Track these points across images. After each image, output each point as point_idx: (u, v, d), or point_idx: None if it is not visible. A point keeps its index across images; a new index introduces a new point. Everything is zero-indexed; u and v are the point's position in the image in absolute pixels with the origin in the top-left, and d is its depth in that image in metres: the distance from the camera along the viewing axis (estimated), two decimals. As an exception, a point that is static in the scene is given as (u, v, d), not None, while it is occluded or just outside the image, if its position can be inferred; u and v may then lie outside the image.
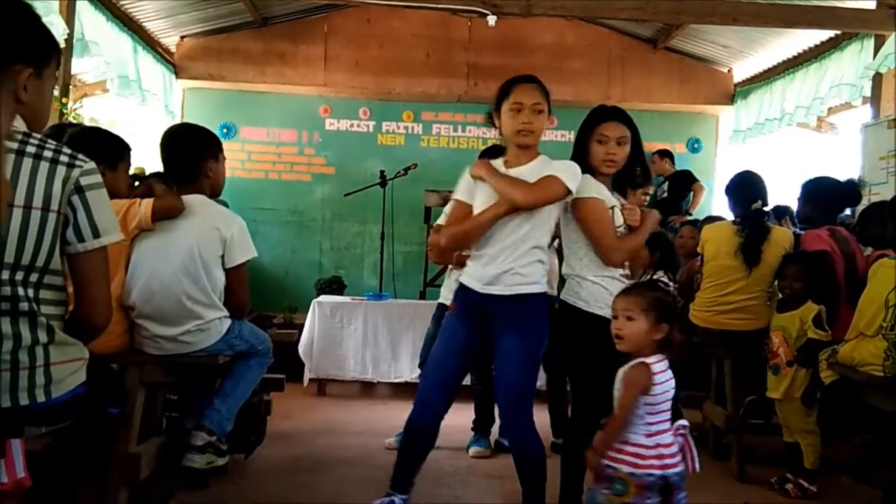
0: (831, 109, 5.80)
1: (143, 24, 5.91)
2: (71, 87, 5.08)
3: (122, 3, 5.42)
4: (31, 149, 1.57)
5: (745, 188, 3.64)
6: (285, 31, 6.79)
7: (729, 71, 7.04)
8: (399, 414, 3.52)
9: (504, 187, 2.41)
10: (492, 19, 5.52)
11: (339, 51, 6.81)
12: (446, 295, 3.47)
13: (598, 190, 2.54)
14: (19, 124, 1.61)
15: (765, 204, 3.59)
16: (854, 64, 5.23)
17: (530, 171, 2.47)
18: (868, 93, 5.12)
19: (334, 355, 5.07)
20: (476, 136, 7.14)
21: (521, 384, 2.45)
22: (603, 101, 7.07)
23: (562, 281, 2.74)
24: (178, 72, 6.67)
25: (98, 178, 1.67)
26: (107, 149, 2.54)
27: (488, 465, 3.49)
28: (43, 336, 1.60)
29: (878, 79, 5.05)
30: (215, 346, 2.62)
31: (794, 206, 4.09)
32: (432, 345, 2.73)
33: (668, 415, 2.13)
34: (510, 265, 2.42)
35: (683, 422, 2.15)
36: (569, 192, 2.42)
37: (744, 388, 3.50)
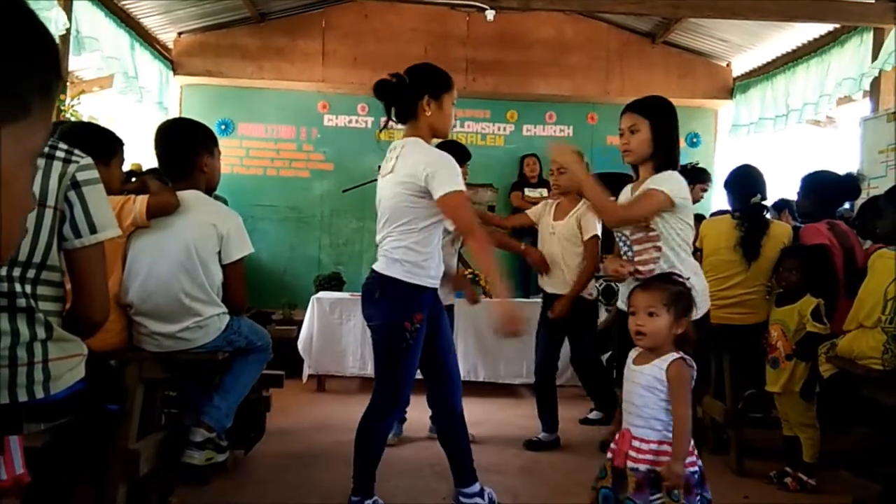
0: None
1: (141, 20, 5.89)
2: (69, 83, 5.07)
3: (119, -1, 5.41)
4: (27, 145, 1.56)
5: (744, 182, 3.63)
6: (283, 27, 6.78)
7: (728, 65, 7.04)
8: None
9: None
10: (490, 14, 5.51)
11: (336, 46, 6.80)
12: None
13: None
14: None
15: (764, 198, 3.59)
16: (855, 58, 5.22)
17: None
18: (867, 87, 5.11)
19: (333, 351, 5.08)
20: (475, 132, 7.14)
21: None
22: (601, 96, 7.17)
23: None
24: (175, 68, 6.66)
25: (95, 173, 1.66)
26: (98, 144, 2.51)
27: (487, 460, 3.49)
28: (41, 332, 1.59)
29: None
30: (214, 343, 2.62)
31: (794, 200, 4.09)
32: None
33: None
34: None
35: None
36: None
37: (743, 382, 3.50)
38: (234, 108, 6.98)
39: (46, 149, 1.59)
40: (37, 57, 0.69)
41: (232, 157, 6.81)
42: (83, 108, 4.85)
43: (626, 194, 2.79)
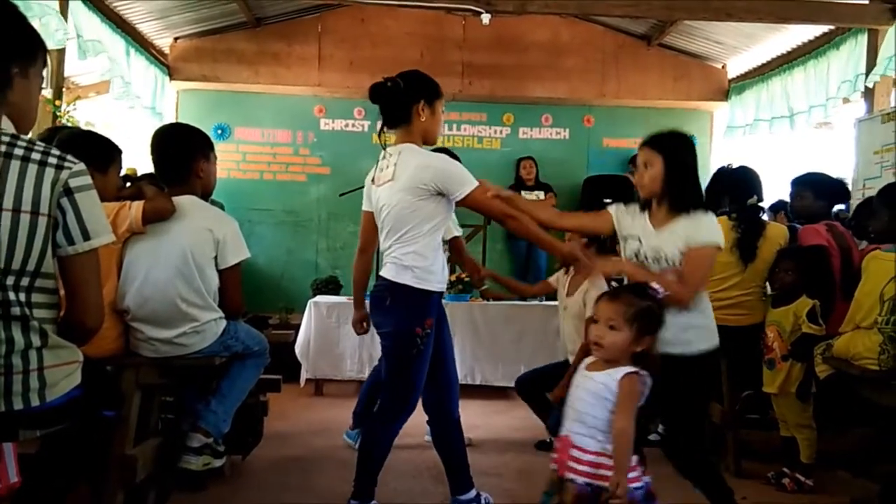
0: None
1: (137, 25, 5.89)
2: (64, 89, 5.07)
3: (114, 4, 5.40)
4: (19, 151, 1.56)
5: (741, 184, 3.64)
6: (279, 32, 6.79)
7: (723, 67, 7.05)
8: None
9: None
10: (486, 17, 5.52)
11: (332, 50, 6.80)
12: None
13: None
14: (7, 125, 1.60)
15: (760, 199, 3.60)
16: (850, 60, 5.23)
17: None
18: (862, 88, 5.13)
19: (331, 355, 5.07)
20: (471, 135, 7.15)
21: None
22: (597, 99, 7.18)
23: None
24: (171, 73, 6.66)
25: (88, 179, 1.65)
26: (96, 152, 2.52)
27: (486, 463, 3.49)
28: (36, 340, 1.59)
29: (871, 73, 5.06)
30: (211, 348, 2.62)
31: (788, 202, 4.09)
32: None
33: None
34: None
35: None
36: None
37: (740, 383, 3.50)
38: (231, 113, 6.99)
39: (39, 155, 1.58)
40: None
41: (228, 161, 6.81)
42: (79, 113, 4.85)
43: (626, 214, 2.66)
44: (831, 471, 3.19)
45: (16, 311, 1.55)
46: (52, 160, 1.60)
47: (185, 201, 2.58)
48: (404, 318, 2.51)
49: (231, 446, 2.88)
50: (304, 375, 5.06)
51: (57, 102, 4.56)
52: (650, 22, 6.53)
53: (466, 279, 5.27)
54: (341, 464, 3.41)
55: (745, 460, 3.44)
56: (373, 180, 2.69)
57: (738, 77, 6.95)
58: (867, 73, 5.01)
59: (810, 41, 5.80)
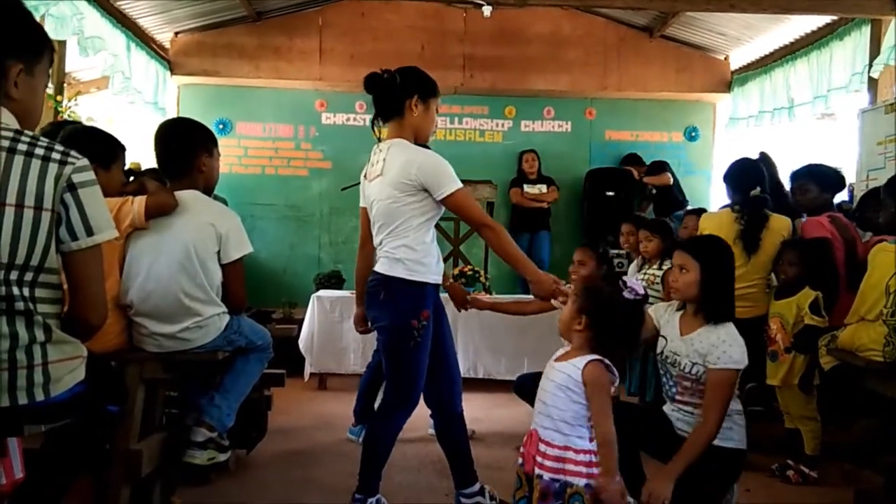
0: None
1: (137, 20, 5.87)
2: (66, 84, 5.06)
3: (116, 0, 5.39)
4: (22, 146, 1.56)
5: (744, 175, 3.63)
6: (279, 26, 6.76)
7: (725, 58, 7.02)
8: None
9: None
10: (487, 10, 5.50)
11: (333, 44, 6.78)
12: None
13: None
14: (11, 121, 1.60)
15: (763, 191, 3.59)
16: (854, 51, 5.20)
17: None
18: (866, 80, 5.10)
19: (334, 350, 5.08)
20: (473, 128, 7.13)
21: None
22: (599, 91, 7.16)
23: None
24: (172, 68, 6.64)
25: (91, 175, 1.65)
26: (100, 148, 2.52)
27: (490, 457, 3.49)
28: (40, 335, 1.59)
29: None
30: (214, 343, 2.61)
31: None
32: None
33: None
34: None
35: None
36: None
37: (744, 375, 3.49)
38: (232, 108, 6.97)
39: (42, 151, 1.58)
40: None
41: (230, 156, 6.80)
42: (81, 109, 4.85)
43: (664, 312, 2.61)
44: (836, 463, 3.20)
45: (19, 305, 1.55)
46: (56, 155, 1.60)
47: (187, 196, 2.57)
48: (399, 311, 2.52)
49: (235, 441, 2.88)
50: (307, 370, 5.08)
51: (58, 98, 4.56)
52: (652, 13, 6.51)
53: (469, 272, 5.27)
54: (345, 458, 3.42)
55: (749, 452, 3.43)
56: (365, 175, 2.69)
57: (740, 68, 6.92)
58: (870, 64, 4.99)
59: (813, 32, 5.77)
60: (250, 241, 2.71)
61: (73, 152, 1.63)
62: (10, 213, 1.52)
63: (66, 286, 1.69)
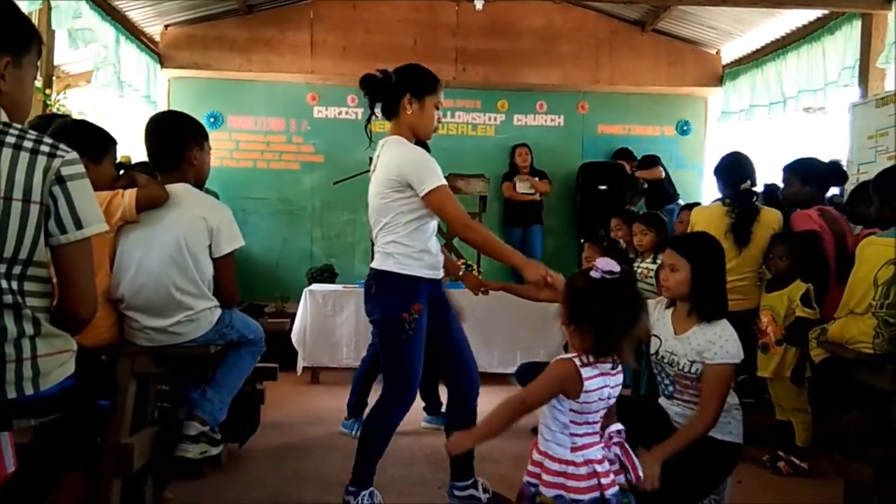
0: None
1: (127, 13, 5.83)
2: (54, 78, 5.02)
3: (104, -9, 5.35)
4: (10, 139, 1.55)
5: (734, 169, 3.64)
6: (271, 18, 6.73)
7: (717, 52, 7.03)
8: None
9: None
10: (479, 3, 5.49)
11: (325, 37, 6.75)
12: None
13: None
14: (0, 114, 1.59)
15: (754, 184, 3.60)
16: (845, 45, 5.22)
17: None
18: (857, 73, 5.12)
19: (327, 343, 5.08)
20: (465, 122, 7.11)
21: None
22: (592, 85, 7.16)
23: None
24: (163, 61, 6.60)
25: (80, 168, 1.64)
26: (91, 142, 2.50)
27: (483, 449, 3.49)
28: (29, 328, 1.58)
29: (865, 58, 5.05)
30: (206, 336, 2.60)
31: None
32: None
33: (597, 426, 1.85)
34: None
35: (618, 426, 1.87)
36: None
37: (735, 367, 3.51)
38: (223, 101, 6.94)
39: (31, 143, 1.57)
40: None
41: (222, 150, 6.77)
42: (70, 102, 4.81)
43: (653, 310, 2.56)
44: (826, 454, 3.21)
45: (8, 299, 1.54)
46: (45, 148, 1.59)
47: (178, 189, 2.56)
48: (390, 304, 2.53)
49: (228, 434, 2.88)
50: (300, 364, 5.07)
51: (47, 91, 4.52)
52: (644, 7, 6.50)
53: (463, 266, 5.27)
54: (338, 451, 3.42)
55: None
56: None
57: (732, 62, 6.93)
58: (861, 58, 5.01)
59: (805, 26, 5.78)
60: (242, 235, 2.70)
61: (62, 145, 1.62)
62: (-2, 205, 1.51)
63: (55, 280, 1.68)
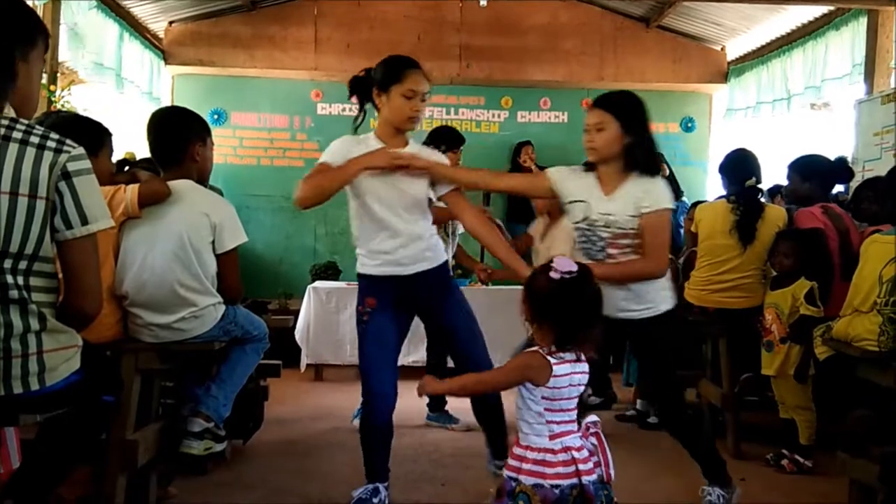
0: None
1: (131, 9, 5.83)
2: (59, 74, 5.02)
3: (108, -12, 5.35)
4: (17, 134, 1.55)
5: (739, 166, 3.63)
6: (275, 15, 6.72)
7: (722, 49, 7.00)
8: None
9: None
10: (483, 0, 5.48)
11: (329, 34, 6.75)
12: None
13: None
14: (8, 110, 1.59)
15: (759, 181, 3.59)
16: (853, 42, 5.19)
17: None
18: (863, 69, 5.10)
19: (330, 340, 5.08)
20: (469, 119, 7.11)
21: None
22: (596, 82, 7.13)
23: None
24: (167, 58, 6.60)
25: (87, 163, 1.64)
26: (86, 135, 2.48)
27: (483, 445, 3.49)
28: (35, 324, 1.58)
29: (871, 54, 5.03)
30: (210, 333, 2.61)
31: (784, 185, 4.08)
32: None
33: (573, 414, 1.85)
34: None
35: (593, 418, 1.89)
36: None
37: (739, 365, 3.51)
38: (227, 98, 6.93)
39: (37, 139, 1.57)
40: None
41: (225, 146, 6.77)
42: (75, 99, 4.81)
43: (570, 177, 2.57)
44: (830, 452, 3.20)
45: (14, 294, 1.55)
46: (51, 143, 1.59)
47: (181, 185, 2.56)
48: (357, 299, 2.63)
49: (232, 431, 2.88)
50: (304, 360, 5.08)
51: (52, 88, 4.52)
52: (649, 3, 6.49)
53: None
54: (342, 448, 3.43)
55: (744, 442, 3.46)
56: None
57: (737, 59, 6.90)
58: (867, 55, 4.99)
59: (810, 22, 5.75)
60: (246, 232, 2.70)
61: (68, 141, 1.63)
62: (4, 200, 1.52)
63: (61, 275, 1.68)
